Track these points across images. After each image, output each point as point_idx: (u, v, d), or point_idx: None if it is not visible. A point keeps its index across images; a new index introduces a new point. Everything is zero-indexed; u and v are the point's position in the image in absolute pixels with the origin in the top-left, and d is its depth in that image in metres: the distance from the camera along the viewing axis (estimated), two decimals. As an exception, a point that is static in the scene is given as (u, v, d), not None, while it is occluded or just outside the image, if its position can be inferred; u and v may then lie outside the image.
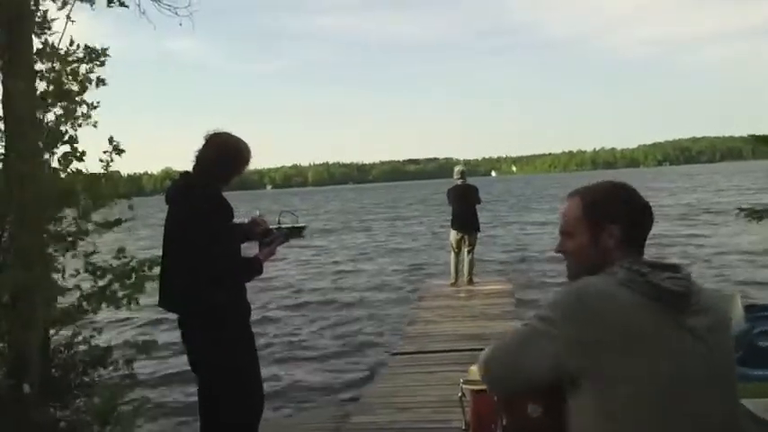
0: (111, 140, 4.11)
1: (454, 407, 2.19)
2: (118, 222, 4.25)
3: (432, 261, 17.20)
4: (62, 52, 4.07)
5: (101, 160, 4.09)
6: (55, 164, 4.00)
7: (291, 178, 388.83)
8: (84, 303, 4.03)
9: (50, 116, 4.01)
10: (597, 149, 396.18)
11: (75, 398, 4.05)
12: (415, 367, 6.11)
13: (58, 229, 4.02)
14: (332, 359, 8.75)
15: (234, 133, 2.99)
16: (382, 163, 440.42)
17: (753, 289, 10.70)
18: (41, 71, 4.05)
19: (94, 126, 4.10)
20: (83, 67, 4.11)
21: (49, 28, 4.09)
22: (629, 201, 1.62)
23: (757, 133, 5.64)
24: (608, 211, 1.60)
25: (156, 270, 3.50)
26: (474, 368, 2.03)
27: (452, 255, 10.25)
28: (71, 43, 4.06)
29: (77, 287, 4.13)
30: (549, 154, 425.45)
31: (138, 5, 4.66)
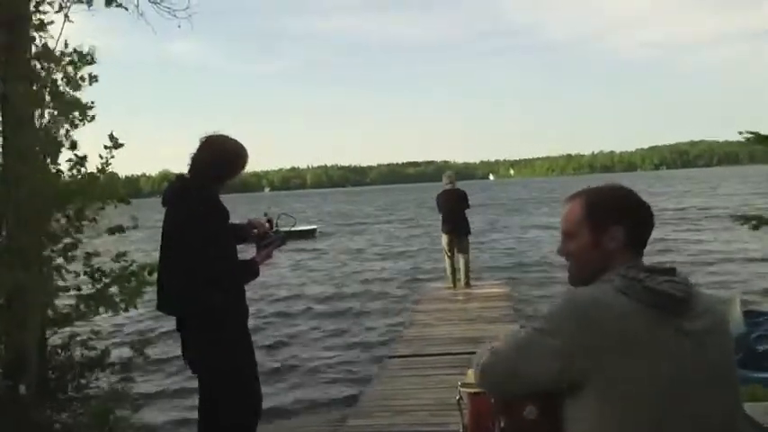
0: (111, 137, 4.10)
1: (451, 410, 2.19)
2: (121, 229, 4.24)
3: (430, 265, 17.23)
4: (57, 54, 4.06)
5: (100, 156, 4.09)
6: (53, 165, 3.99)
7: (290, 180, 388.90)
8: (82, 306, 4.02)
9: (46, 117, 4.00)
10: (595, 153, 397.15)
11: (71, 399, 4.04)
12: (412, 370, 6.10)
13: (56, 230, 4.00)
14: (329, 362, 8.75)
15: (230, 135, 2.98)
16: (380, 166, 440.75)
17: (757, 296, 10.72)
18: (38, 72, 4.04)
19: (90, 121, 4.07)
20: (75, 69, 4.10)
21: (46, 30, 4.09)
22: (630, 203, 1.62)
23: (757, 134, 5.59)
24: (610, 212, 1.60)
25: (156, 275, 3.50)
26: (472, 371, 2.03)
27: (447, 259, 10.29)
28: (66, 46, 4.05)
29: (76, 288, 4.12)
30: (547, 157, 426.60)
31: (137, 7, 4.66)
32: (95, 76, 4.12)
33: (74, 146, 3.99)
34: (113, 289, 4.12)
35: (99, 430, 3.81)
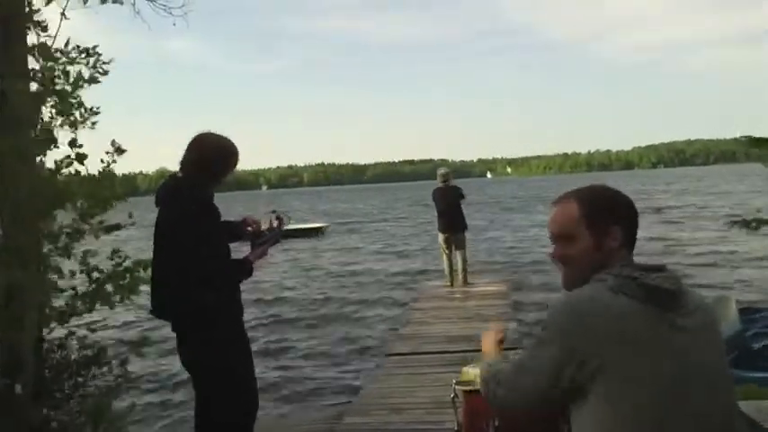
0: (113, 143, 4.08)
1: (447, 408, 2.20)
2: (117, 227, 4.23)
3: (428, 262, 17.23)
4: (55, 51, 4.05)
5: (102, 161, 4.08)
6: (50, 164, 3.98)
7: (287, 178, 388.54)
8: (79, 303, 4.02)
9: (45, 116, 3.99)
10: (592, 151, 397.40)
11: (68, 398, 4.04)
12: (408, 368, 6.11)
13: (54, 229, 4.00)
14: (325, 360, 8.76)
15: (220, 133, 2.96)
16: (377, 164, 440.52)
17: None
18: (35, 70, 4.03)
19: (92, 127, 4.07)
20: (75, 67, 4.09)
21: (45, 28, 4.08)
22: (623, 202, 1.64)
23: (755, 134, 5.59)
24: (608, 213, 1.61)
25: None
26: (467, 369, 2.04)
27: (444, 256, 10.29)
28: (66, 44, 4.04)
29: (72, 288, 4.11)
30: (545, 156, 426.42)
31: (134, 5, 4.65)
32: (95, 77, 4.11)
33: (73, 143, 3.97)
34: (108, 287, 4.11)
35: (95, 428, 3.81)
